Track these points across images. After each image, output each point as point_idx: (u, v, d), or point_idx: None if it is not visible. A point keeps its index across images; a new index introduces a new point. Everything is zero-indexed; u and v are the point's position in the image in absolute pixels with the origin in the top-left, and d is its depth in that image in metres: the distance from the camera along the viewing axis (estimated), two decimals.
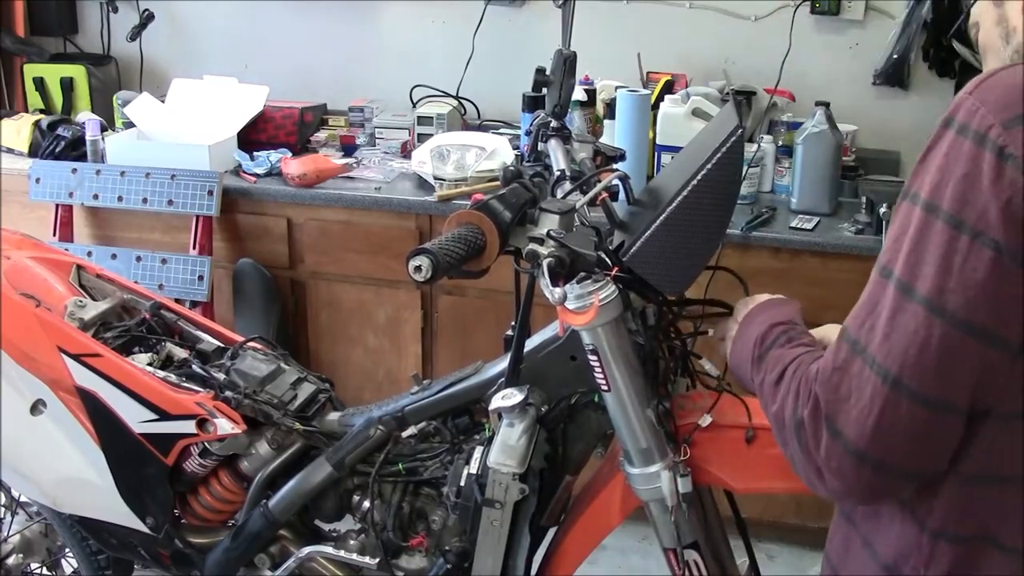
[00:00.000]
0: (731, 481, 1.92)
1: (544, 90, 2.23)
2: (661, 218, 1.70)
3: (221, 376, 2.31)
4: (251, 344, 2.43)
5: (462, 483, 2.06)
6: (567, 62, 2.18)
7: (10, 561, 2.76)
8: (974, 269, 1.12)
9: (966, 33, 1.41)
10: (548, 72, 2.21)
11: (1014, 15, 1.29)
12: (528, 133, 2.22)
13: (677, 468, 1.86)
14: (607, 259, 1.74)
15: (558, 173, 2.09)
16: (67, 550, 2.74)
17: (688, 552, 1.94)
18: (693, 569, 1.95)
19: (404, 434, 2.20)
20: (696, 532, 1.93)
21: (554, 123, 2.21)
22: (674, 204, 1.69)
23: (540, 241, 1.74)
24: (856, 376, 1.18)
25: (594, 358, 1.84)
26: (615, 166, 2.11)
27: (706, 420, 1.91)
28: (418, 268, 1.58)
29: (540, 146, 2.21)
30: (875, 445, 1.17)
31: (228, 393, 2.24)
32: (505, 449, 1.95)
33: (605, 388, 1.86)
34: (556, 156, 2.15)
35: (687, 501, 1.87)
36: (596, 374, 1.85)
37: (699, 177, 1.68)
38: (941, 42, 3.55)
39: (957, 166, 1.15)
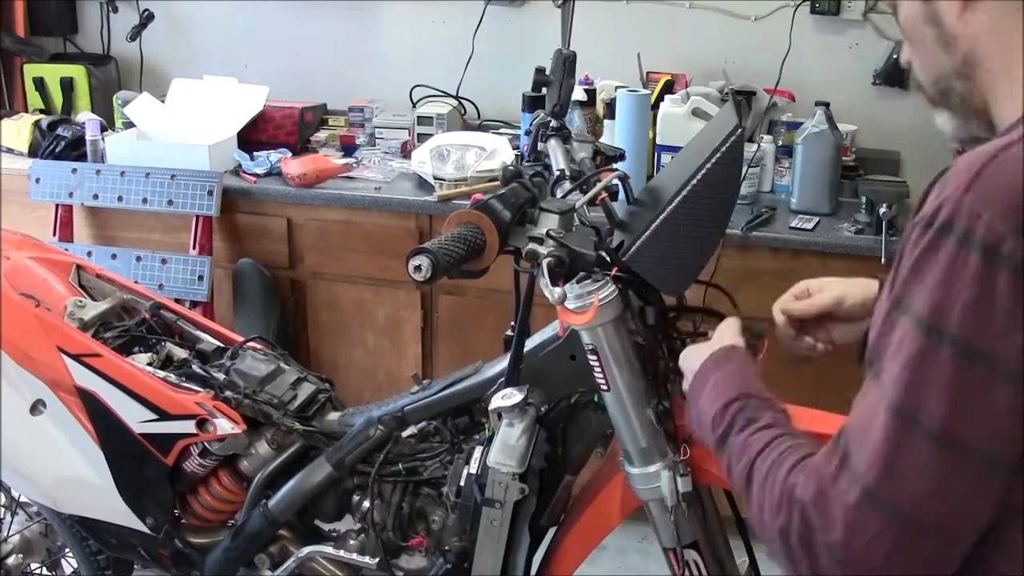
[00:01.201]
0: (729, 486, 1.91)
1: (544, 90, 2.23)
2: (660, 218, 1.70)
3: (221, 376, 2.31)
4: (251, 344, 2.43)
5: (462, 483, 2.06)
6: (567, 62, 2.18)
7: (10, 561, 2.76)
8: (993, 403, 1.03)
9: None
10: (548, 72, 2.21)
11: (949, 19, 1.21)
12: (528, 133, 2.22)
13: (677, 468, 1.86)
14: (607, 259, 1.74)
15: (558, 173, 2.09)
16: (67, 550, 2.74)
17: (688, 552, 1.94)
18: (693, 569, 1.95)
19: (404, 434, 2.19)
20: (696, 532, 1.93)
21: (554, 123, 2.21)
22: (673, 204, 1.69)
23: (540, 241, 1.74)
24: (855, 510, 1.09)
25: (594, 358, 1.84)
26: (615, 166, 2.11)
27: None
28: (418, 268, 1.58)
29: (540, 146, 2.21)
30: (889, 571, 1.09)
31: (228, 393, 2.25)
32: (505, 449, 1.95)
33: (605, 388, 1.86)
34: (556, 156, 2.15)
35: (687, 501, 1.87)
36: (596, 374, 1.85)
37: (698, 177, 1.67)
38: None
39: (964, 287, 1.03)
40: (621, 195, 2.01)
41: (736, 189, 1.70)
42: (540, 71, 2.21)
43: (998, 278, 1.02)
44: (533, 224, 1.78)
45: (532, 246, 1.73)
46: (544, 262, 1.69)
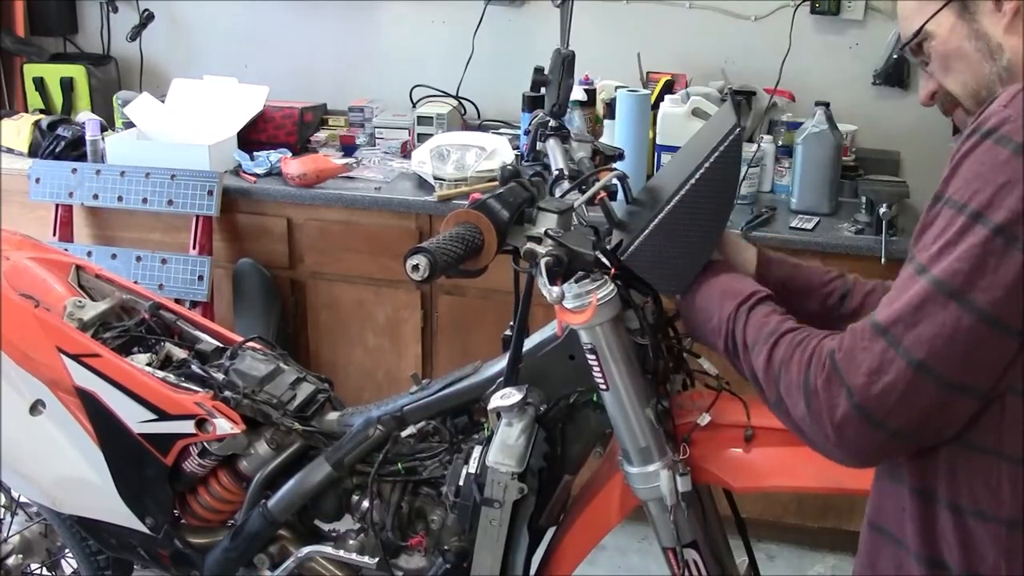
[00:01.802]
0: (730, 480, 1.91)
1: (543, 89, 2.23)
2: (659, 217, 1.70)
3: (220, 376, 2.31)
4: (250, 344, 2.43)
5: (461, 482, 2.06)
6: (565, 61, 2.18)
7: (10, 561, 2.76)
8: (1006, 270, 1.19)
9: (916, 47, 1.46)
10: (547, 72, 2.21)
11: (994, 31, 1.36)
12: (527, 132, 2.22)
13: (676, 467, 1.87)
14: (605, 258, 1.74)
15: (556, 172, 2.09)
16: (67, 551, 2.74)
17: (687, 551, 1.94)
18: (692, 568, 1.95)
19: (403, 434, 2.19)
20: (695, 531, 1.93)
21: (552, 122, 2.21)
22: (672, 203, 1.69)
23: (538, 240, 1.74)
24: (880, 356, 1.25)
25: (592, 357, 1.83)
26: (614, 165, 2.11)
27: (705, 419, 1.91)
28: (416, 267, 1.58)
29: (539, 145, 2.21)
30: (895, 417, 1.25)
31: (227, 393, 2.24)
32: (504, 448, 1.95)
33: (604, 387, 1.85)
34: (555, 155, 2.15)
35: (686, 500, 1.87)
36: (595, 373, 1.85)
37: (697, 176, 1.67)
38: None
39: (995, 174, 1.20)
40: (620, 195, 2.01)
41: (735, 188, 1.70)
42: (539, 71, 2.21)
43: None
44: (532, 223, 1.78)
45: (530, 245, 1.73)
46: (542, 262, 1.69)
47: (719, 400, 1.93)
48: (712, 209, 1.69)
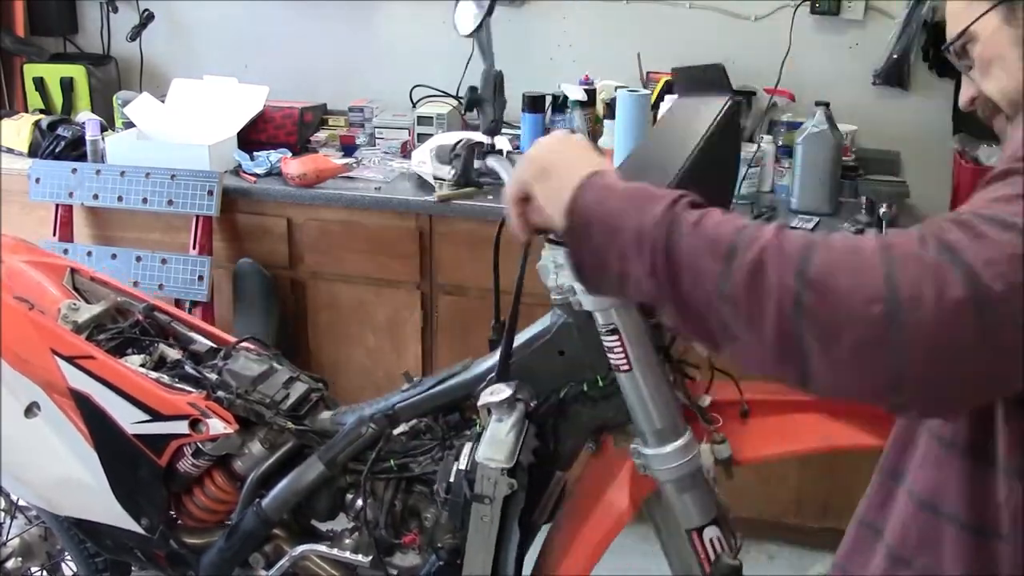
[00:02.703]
0: (733, 453, 1.95)
1: (476, 109, 2.22)
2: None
3: (213, 376, 2.32)
4: (244, 344, 2.43)
5: (451, 479, 2.06)
6: (496, 80, 2.18)
7: (9, 565, 2.77)
8: None
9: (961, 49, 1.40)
10: (479, 91, 2.20)
11: None
12: (455, 156, 2.15)
13: (714, 436, 1.92)
14: None
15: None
16: (66, 554, 2.74)
17: (710, 529, 1.96)
18: (716, 545, 1.96)
19: (395, 431, 2.20)
20: (714, 509, 1.96)
21: (488, 140, 2.19)
22: (679, 176, 1.66)
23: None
24: (1011, 248, 1.00)
25: (614, 338, 1.85)
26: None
27: (705, 401, 1.94)
28: None
29: (477, 163, 2.16)
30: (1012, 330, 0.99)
31: (220, 393, 2.25)
32: (493, 444, 1.95)
33: (625, 368, 1.87)
34: (503, 166, 2.10)
35: (727, 467, 1.91)
36: (615, 355, 1.87)
37: (697, 153, 1.63)
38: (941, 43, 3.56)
39: None
40: None
41: (737, 160, 1.63)
42: (473, 90, 2.21)
43: None
44: None
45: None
46: None
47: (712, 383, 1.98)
48: (715, 185, 1.65)
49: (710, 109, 1.75)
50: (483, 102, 2.17)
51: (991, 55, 1.33)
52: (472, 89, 2.19)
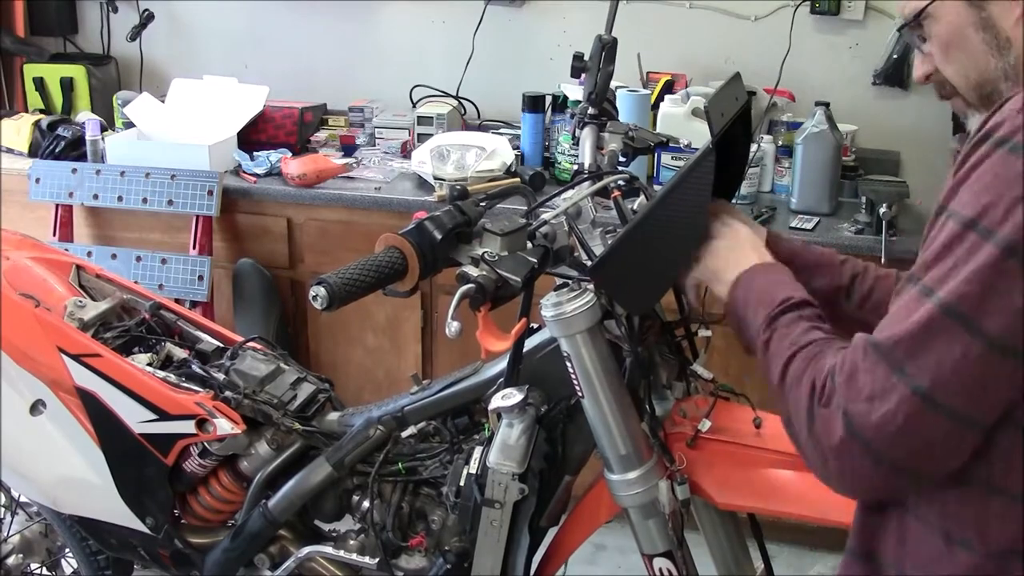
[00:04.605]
0: (714, 495, 1.90)
1: (581, 76, 2.21)
2: (622, 236, 1.68)
3: (220, 376, 2.31)
4: (251, 344, 2.43)
5: (462, 483, 2.05)
6: (605, 48, 2.15)
7: (10, 561, 2.76)
8: (1018, 293, 1.11)
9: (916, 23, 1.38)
10: (586, 58, 2.18)
11: (1004, 24, 1.27)
12: (572, 116, 2.16)
13: (675, 476, 1.87)
14: (530, 287, 1.74)
15: (576, 167, 2.08)
16: (67, 550, 2.74)
17: (660, 560, 1.94)
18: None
19: (404, 434, 2.19)
20: (672, 541, 1.93)
21: (591, 110, 2.19)
22: (636, 223, 1.66)
23: (476, 262, 1.72)
24: (881, 381, 1.17)
25: (569, 365, 1.84)
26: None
27: (705, 425, 1.91)
28: (315, 297, 1.61)
29: (577, 133, 2.18)
30: (895, 449, 1.17)
31: (227, 393, 2.24)
32: (504, 449, 1.95)
33: (580, 395, 1.86)
34: (583, 147, 2.13)
35: (686, 507, 1.88)
36: (573, 381, 1.85)
37: (664, 197, 1.63)
38: None
39: (1009, 187, 1.12)
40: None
41: (705, 211, 1.64)
42: (578, 57, 2.18)
43: None
44: (479, 243, 1.76)
45: (465, 268, 1.70)
46: (459, 291, 1.66)
47: (717, 407, 1.93)
48: (680, 232, 1.64)
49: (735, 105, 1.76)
50: (587, 70, 2.16)
51: (950, 37, 1.32)
52: (577, 56, 2.17)
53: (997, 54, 1.28)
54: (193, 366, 2.36)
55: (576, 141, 2.17)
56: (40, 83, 4.29)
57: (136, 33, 4.34)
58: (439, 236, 1.71)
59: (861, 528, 1.39)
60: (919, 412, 1.15)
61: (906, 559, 1.31)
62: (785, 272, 1.60)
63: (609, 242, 1.88)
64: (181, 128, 3.86)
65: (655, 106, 3.63)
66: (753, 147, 3.56)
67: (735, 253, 1.65)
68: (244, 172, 3.71)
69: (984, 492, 1.22)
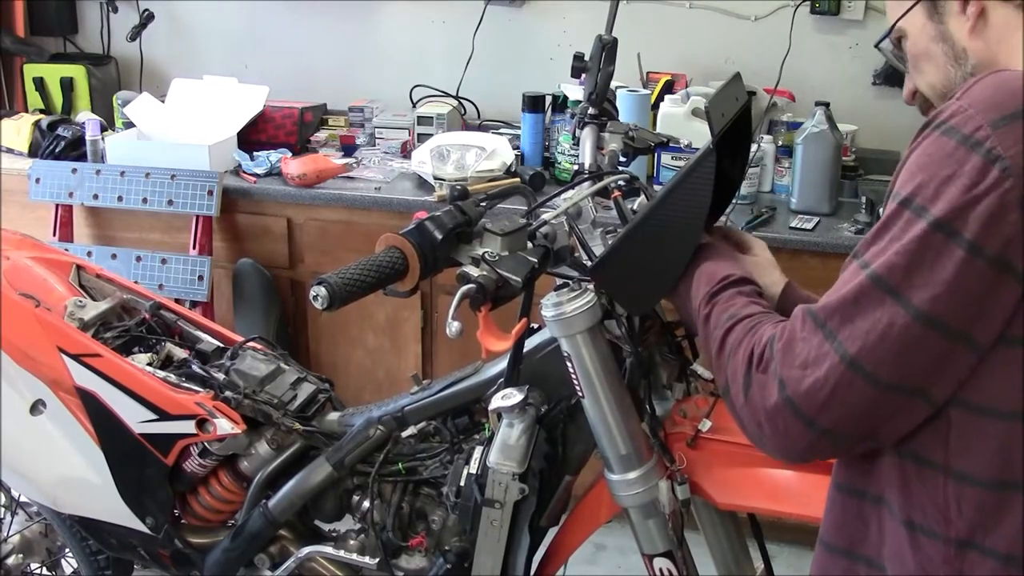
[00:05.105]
0: (714, 495, 1.91)
1: (582, 76, 2.21)
2: (622, 237, 1.68)
3: (221, 376, 2.31)
4: (251, 344, 2.43)
5: (462, 483, 2.06)
6: (606, 48, 2.15)
7: (10, 561, 2.76)
8: (943, 267, 1.16)
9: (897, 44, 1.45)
10: (586, 58, 2.18)
11: (960, 36, 1.33)
12: (572, 116, 2.15)
13: (675, 476, 1.87)
14: (532, 287, 1.75)
15: (576, 167, 2.09)
16: (67, 550, 2.74)
17: (661, 560, 1.95)
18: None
19: (404, 434, 2.20)
20: (673, 541, 1.93)
21: (591, 110, 2.19)
22: (636, 223, 1.66)
23: (476, 262, 1.72)
24: (815, 349, 1.23)
25: (569, 365, 1.84)
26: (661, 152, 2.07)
27: (706, 425, 1.92)
28: (315, 297, 1.61)
29: (577, 133, 2.19)
30: (825, 414, 1.22)
31: (228, 393, 2.24)
32: (505, 449, 1.95)
33: (580, 395, 1.86)
34: (584, 147, 2.13)
35: (686, 507, 1.88)
36: (573, 381, 1.86)
37: (663, 198, 1.64)
38: None
39: (940, 167, 1.18)
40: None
41: (704, 212, 1.64)
42: (579, 57, 2.19)
43: (969, 160, 1.16)
44: (479, 243, 1.77)
45: (466, 268, 1.71)
46: (460, 291, 1.67)
47: (718, 406, 1.93)
48: (681, 232, 1.64)
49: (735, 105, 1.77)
50: (588, 70, 2.16)
51: (918, 51, 1.39)
52: (578, 56, 2.17)
53: (956, 64, 1.35)
54: (193, 366, 2.36)
55: (576, 141, 2.18)
56: (40, 83, 4.29)
57: (136, 33, 4.34)
58: (439, 236, 1.72)
59: (840, 521, 1.41)
60: (847, 379, 1.20)
61: (883, 550, 1.33)
62: (728, 254, 1.66)
63: (609, 242, 1.88)
64: (181, 128, 3.86)
65: (655, 106, 3.63)
66: (753, 147, 3.56)
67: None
68: (244, 172, 3.71)
69: (943, 476, 1.24)
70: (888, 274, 1.19)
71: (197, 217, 3.60)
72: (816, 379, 1.22)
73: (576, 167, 2.08)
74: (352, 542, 2.22)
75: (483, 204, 1.84)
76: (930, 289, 1.16)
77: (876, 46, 1.49)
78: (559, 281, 1.86)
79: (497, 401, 1.93)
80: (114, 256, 3.67)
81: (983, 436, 1.21)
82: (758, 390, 1.29)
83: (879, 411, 1.22)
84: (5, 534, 2.78)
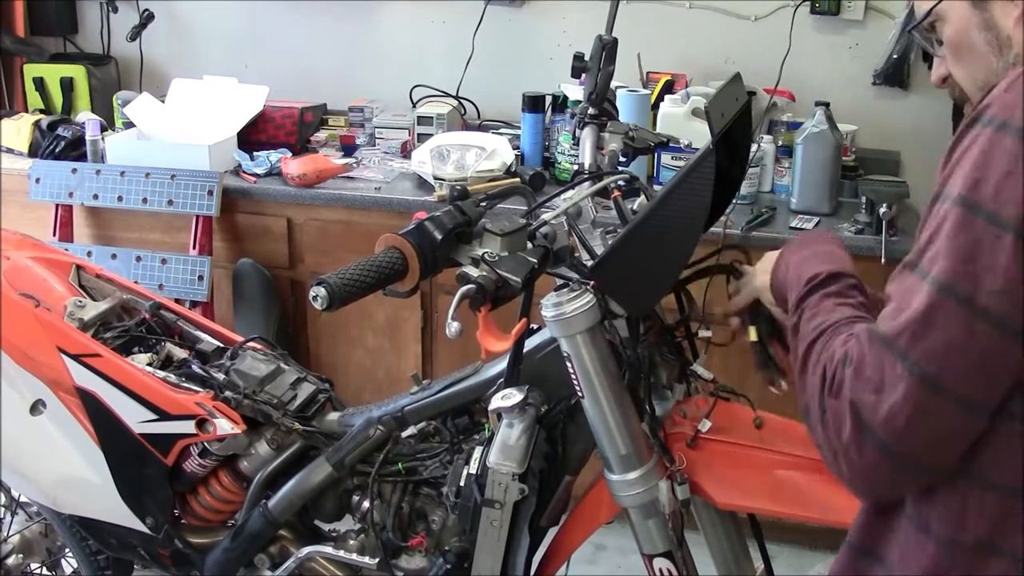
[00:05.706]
0: (714, 495, 1.91)
1: (582, 76, 2.21)
2: (622, 237, 1.68)
3: (221, 376, 2.31)
4: (251, 344, 2.43)
5: (462, 483, 2.06)
6: (606, 48, 2.15)
7: (10, 561, 2.76)
8: (1011, 267, 1.11)
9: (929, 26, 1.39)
10: (587, 58, 2.18)
11: (1005, 23, 1.28)
12: (572, 116, 2.16)
13: (675, 476, 1.87)
14: (531, 287, 1.74)
15: (576, 167, 2.09)
16: (67, 550, 2.74)
17: (660, 560, 1.95)
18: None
19: (404, 434, 2.20)
20: (673, 542, 1.94)
21: (591, 110, 2.19)
22: (636, 224, 1.66)
23: (476, 262, 1.72)
24: (889, 371, 1.16)
25: (569, 365, 1.84)
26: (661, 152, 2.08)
27: (705, 425, 1.92)
28: (315, 298, 1.61)
29: (577, 133, 2.19)
30: (904, 442, 1.16)
31: (228, 393, 2.24)
32: (504, 449, 1.95)
33: (580, 395, 1.86)
34: (584, 147, 2.13)
35: (686, 507, 1.88)
36: (573, 381, 1.86)
37: (663, 198, 1.64)
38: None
39: (998, 163, 1.13)
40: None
41: (705, 212, 1.64)
42: (579, 57, 2.18)
43: None
44: (479, 243, 1.77)
45: (465, 269, 1.71)
46: (459, 291, 1.67)
47: (717, 407, 1.93)
48: (681, 232, 1.64)
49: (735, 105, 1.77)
50: (588, 70, 2.16)
51: (960, 39, 1.33)
52: (578, 56, 2.17)
53: (999, 53, 1.29)
54: (193, 366, 2.36)
55: (576, 141, 2.18)
56: (40, 83, 4.29)
57: (136, 33, 4.33)
58: (439, 236, 1.71)
59: (867, 525, 1.38)
60: (928, 401, 1.14)
61: (899, 552, 1.31)
62: (817, 241, 1.62)
63: (609, 242, 1.88)
64: (181, 128, 3.86)
65: (655, 106, 3.63)
66: (753, 147, 3.56)
67: (766, 260, 1.77)
68: (244, 172, 3.71)
69: (974, 485, 1.21)
70: (955, 281, 1.13)
71: (197, 217, 3.60)
72: (893, 404, 1.15)
73: (576, 167, 2.08)
74: (352, 542, 2.22)
75: (483, 204, 1.83)
76: (999, 293, 1.11)
77: (910, 30, 1.41)
78: (559, 281, 1.86)
79: (497, 401, 1.93)
80: (114, 256, 3.67)
81: (1012, 443, 1.18)
82: (832, 417, 1.22)
83: (962, 433, 1.17)
84: (5, 534, 2.78)
